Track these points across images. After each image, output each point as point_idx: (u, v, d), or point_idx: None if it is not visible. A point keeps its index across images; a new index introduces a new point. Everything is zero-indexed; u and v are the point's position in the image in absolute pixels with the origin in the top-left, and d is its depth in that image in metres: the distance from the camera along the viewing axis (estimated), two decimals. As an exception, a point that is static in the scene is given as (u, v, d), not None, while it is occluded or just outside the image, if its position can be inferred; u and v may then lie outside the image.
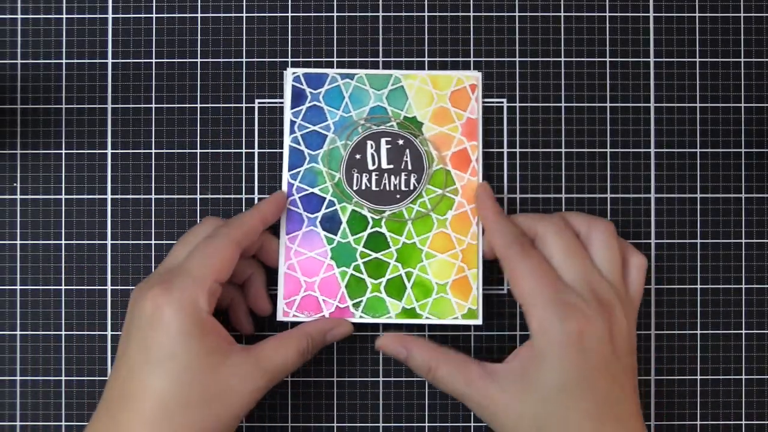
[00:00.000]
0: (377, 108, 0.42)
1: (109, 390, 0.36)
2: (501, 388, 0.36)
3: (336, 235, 0.42)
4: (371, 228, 0.42)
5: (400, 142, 0.42)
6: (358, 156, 0.42)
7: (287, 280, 0.42)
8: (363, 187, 0.42)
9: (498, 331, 0.42)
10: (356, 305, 0.42)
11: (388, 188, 0.42)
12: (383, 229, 0.42)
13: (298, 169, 0.42)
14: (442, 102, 0.42)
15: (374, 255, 0.42)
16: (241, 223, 0.38)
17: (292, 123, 0.42)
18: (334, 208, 0.42)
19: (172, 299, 0.35)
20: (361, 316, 0.42)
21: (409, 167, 0.42)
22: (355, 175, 0.42)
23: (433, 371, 0.38)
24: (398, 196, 0.42)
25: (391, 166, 0.42)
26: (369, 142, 0.42)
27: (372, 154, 0.42)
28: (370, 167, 0.42)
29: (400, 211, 0.42)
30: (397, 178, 0.42)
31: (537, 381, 0.35)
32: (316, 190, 0.42)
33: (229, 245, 0.37)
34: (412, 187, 0.42)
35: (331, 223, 0.42)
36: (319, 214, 0.42)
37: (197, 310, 0.35)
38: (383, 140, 0.42)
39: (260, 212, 0.40)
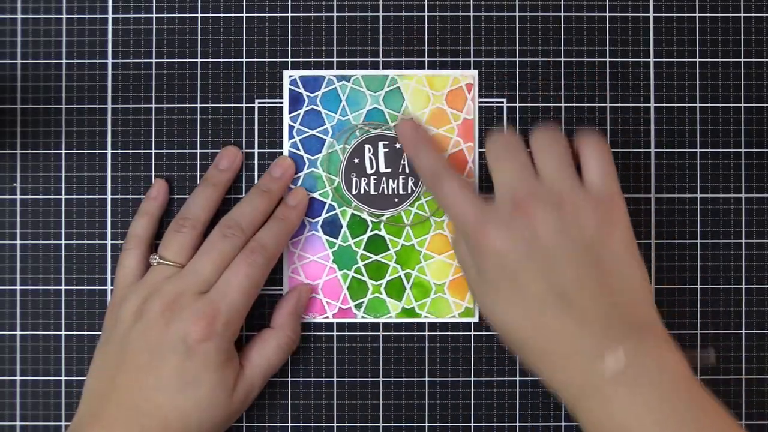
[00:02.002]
0: (374, 110, 0.42)
1: (121, 393, 0.36)
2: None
3: (337, 238, 0.42)
4: (371, 231, 0.42)
5: (398, 145, 0.42)
6: (356, 160, 0.42)
7: (291, 284, 0.42)
8: (362, 192, 0.42)
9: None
10: (358, 306, 0.42)
11: (386, 192, 0.42)
12: (382, 232, 0.42)
13: (298, 174, 0.42)
14: (439, 103, 0.42)
15: (374, 257, 0.42)
16: (279, 248, 0.40)
17: (291, 128, 0.42)
18: (334, 212, 0.42)
19: (216, 333, 0.37)
20: (362, 316, 0.42)
21: (407, 171, 0.42)
22: (354, 179, 0.42)
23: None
24: (396, 200, 0.42)
25: (389, 170, 0.42)
26: (367, 146, 0.42)
27: (370, 158, 0.42)
28: (368, 171, 0.42)
29: (398, 215, 0.42)
30: (395, 181, 0.42)
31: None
32: (316, 195, 0.42)
33: (265, 276, 0.39)
34: (409, 191, 0.42)
35: (331, 227, 0.42)
36: (320, 219, 0.42)
37: (232, 343, 0.38)
38: (381, 144, 0.42)
39: (292, 226, 0.41)
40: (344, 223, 0.42)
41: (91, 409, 0.37)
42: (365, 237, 0.42)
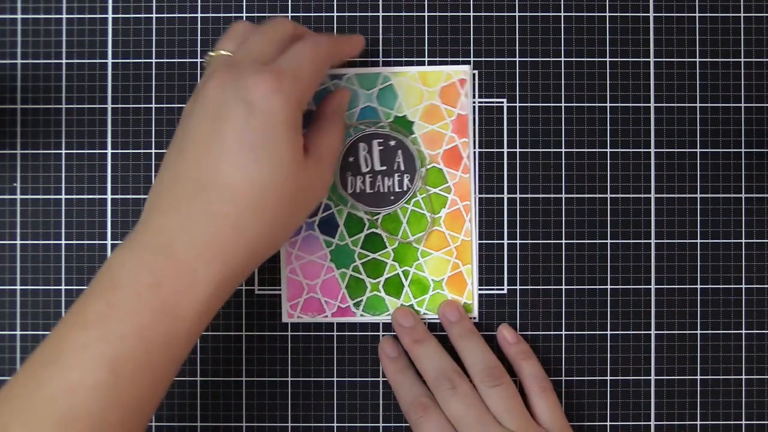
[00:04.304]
0: (367, 108, 0.42)
1: (185, 178, 0.33)
2: None
3: (334, 237, 0.42)
4: (368, 229, 0.42)
5: (392, 143, 0.42)
6: (351, 159, 0.42)
7: (290, 284, 0.42)
8: (357, 190, 0.42)
9: (496, 331, 0.42)
10: (357, 304, 0.42)
11: (382, 190, 0.42)
12: (379, 230, 0.42)
13: None
14: (432, 99, 0.42)
15: (372, 255, 0.42)
16: (337, 45, 0.39)
17: None
18: (330, 211, 0.42)
19: (282, 89, 0.33)
20: (362, 314, 0.42)
21: (402, 168, 0.42)
22: (350, 178, 0.42)
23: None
24: (392, 198, 0.42)
25: (384, 168, 0.42)
26: (361, 144, 0.42)
27: (365, 157, 0.42)
28: (364, 170, 0.42)
29: (395, 212, 0.42)
30: (391, 179, 0.42)
31: None
32: None
33: (326, 64, 0.37)
34: (405, 188, 0.42)
35: (328, 227, 0.42)
36: (317, 218, 0.42)
37: (302, 108, 0.35)
38: (375, 142, 0.42)
39: (351, 42, 0.40)
40: (341, 222, 0.42)
41: (159, 185, 0.34)
42: (362, 235, 0.42)
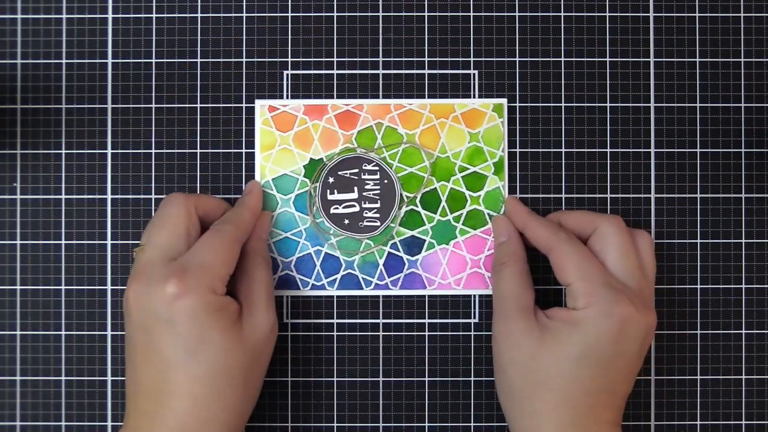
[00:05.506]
0: (284, 213, 0.42)
1: (142, 385, 0.36)
2: (526, 331, 0.37)
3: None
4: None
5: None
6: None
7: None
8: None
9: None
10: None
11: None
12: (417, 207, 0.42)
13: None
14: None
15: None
16: (241, 222, 0.40)
17: None
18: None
19: (189, 287, 0.35)
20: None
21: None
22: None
23: (500, 269, 0.40)
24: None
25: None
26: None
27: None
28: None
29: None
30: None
31: (562, 343, 0.36)
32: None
33: (234, 244, 0.38)
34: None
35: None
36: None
37: (215, 294, 0.36)
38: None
39: (251, 208, 0.41)
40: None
41: (128, 385, 0.37)
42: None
